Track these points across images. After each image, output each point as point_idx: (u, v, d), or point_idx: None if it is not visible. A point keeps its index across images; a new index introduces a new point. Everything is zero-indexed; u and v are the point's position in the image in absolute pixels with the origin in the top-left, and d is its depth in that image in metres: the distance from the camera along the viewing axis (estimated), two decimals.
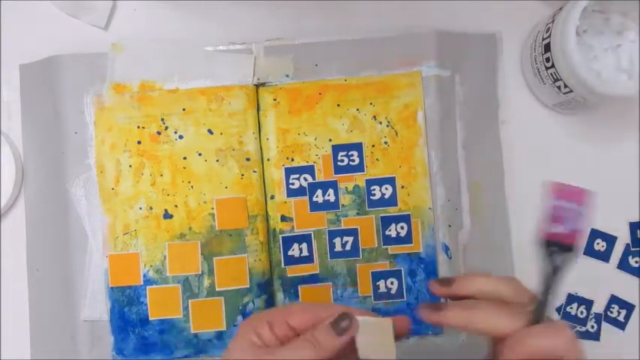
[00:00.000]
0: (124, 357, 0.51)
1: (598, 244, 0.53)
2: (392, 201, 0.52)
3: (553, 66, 0.48)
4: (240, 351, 0.36)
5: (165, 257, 0.51)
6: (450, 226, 0.52)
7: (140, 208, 0.52)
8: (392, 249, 0.52)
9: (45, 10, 0.54)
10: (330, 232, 0.52)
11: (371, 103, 0.52)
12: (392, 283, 0.51)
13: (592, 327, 0.52)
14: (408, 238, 0.52)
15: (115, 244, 0.51)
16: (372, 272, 0.52)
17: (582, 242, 0.35)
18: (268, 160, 0.52)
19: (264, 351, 0.36)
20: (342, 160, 0.52)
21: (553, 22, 0.48)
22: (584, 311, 0.52)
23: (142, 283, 0.51)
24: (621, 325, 0.53)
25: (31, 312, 0.52)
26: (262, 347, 0.36)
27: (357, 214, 0.52)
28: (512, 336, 0.34)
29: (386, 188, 0.52)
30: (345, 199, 0.52)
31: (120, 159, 0.52)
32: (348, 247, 0.52)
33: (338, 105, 0.52)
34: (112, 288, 0.51)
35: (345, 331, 0.36)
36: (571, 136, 0.54)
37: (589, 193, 0.35)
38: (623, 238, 0.53)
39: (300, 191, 0.52)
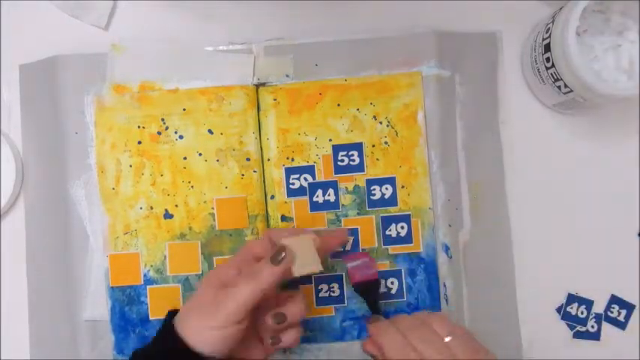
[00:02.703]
0: (124, 356, 0.51)
1: None
2: (392, 201, 0.52)
3: (553, 66, 0.48)
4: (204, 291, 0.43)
5: (165, 257, 0.51)
6: (450, 225, 0.52)
7: (140, 208, 0.52)
8: (392, 249, 0.52)
9: (45, 10, 0.54)
10: None
11: (371, 103, 0.52)
12: (392, 282, 0.51)
13: (592, 327, 0.52)
14: (408, 238, 0.52)
15: (116, 244, 0.51)
16: None
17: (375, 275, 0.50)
18: (268, 160, 0.52)
19: (221, 291, 0.42)
20: (343, 160, 0.52)
21: (553, 22, 0.48)
22: (584, 311, 0.52)
23: (143, 282, 0.51)
24: (621, 325, 0.53)
25: (31, 312, 0.52)
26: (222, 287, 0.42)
27: (358, 214, 0.52)
28: None
29: (386, 188, 0.52)
30: (345, 199, 0.52)
31: (120, 159, 0.52)
32: (348, 247, 0.52)
33: (338, 105, 0.52)
34: (112, 288, 0.51)
35: (281, 262, 0.42)
36: (571, 136, 0.54)
37: (366, 253, 0.51)
38: None
39: (300, 191, 0.52)
